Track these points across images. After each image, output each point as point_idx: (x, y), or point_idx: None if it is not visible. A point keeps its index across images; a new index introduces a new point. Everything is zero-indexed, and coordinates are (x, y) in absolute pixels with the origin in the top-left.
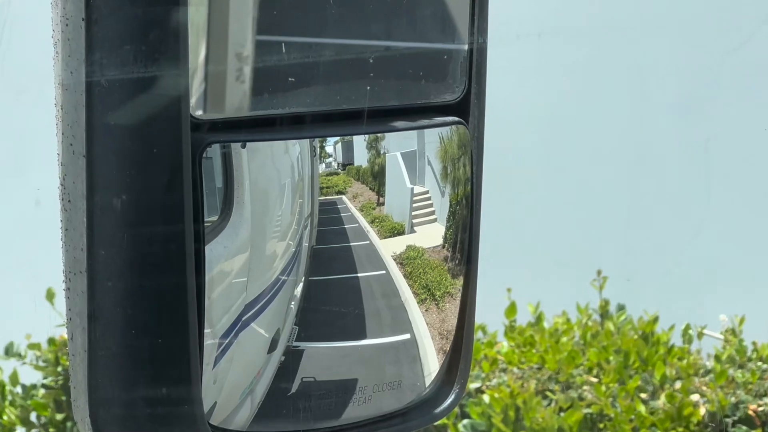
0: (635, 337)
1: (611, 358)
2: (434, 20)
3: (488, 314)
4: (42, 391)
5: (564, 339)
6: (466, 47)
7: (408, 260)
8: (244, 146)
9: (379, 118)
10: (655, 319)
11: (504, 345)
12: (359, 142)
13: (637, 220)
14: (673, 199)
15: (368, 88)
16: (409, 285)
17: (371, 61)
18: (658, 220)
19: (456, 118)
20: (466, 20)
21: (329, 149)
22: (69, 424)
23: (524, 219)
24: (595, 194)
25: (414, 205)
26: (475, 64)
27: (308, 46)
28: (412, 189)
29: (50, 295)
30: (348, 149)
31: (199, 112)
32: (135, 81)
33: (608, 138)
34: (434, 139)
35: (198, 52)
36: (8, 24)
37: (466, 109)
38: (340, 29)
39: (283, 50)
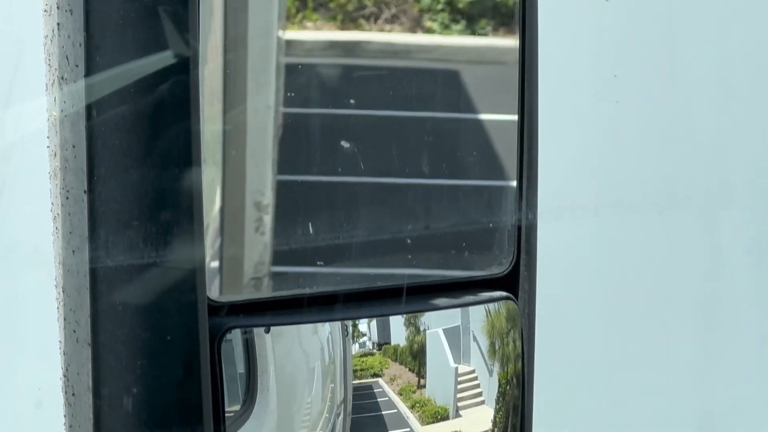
0: None
1: None
2: (478, 194)
3: None
4: None
5: None
6: (513, 218)
7: None
8: (268, 331)
9: (418, 296)
10: None
11: None
12: (396, 318)
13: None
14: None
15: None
16: None
17: (409, 241)
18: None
19: (504, 293)
20: (513, 193)
21: (363, 328)
22: None
23: (582, 398)
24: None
25: (459, 386)
26: (524, 234)
27: (338, 225)
28: (457, 368)
29: None
30: (384, 327)
31: (216, 294)
32: (144, 262)
33: (677, 321)
34: (480, 314)
35: (211, 223)
36: (5, 188)
37: (515, 283)
38: (374, 216)
39: (311, 231)
